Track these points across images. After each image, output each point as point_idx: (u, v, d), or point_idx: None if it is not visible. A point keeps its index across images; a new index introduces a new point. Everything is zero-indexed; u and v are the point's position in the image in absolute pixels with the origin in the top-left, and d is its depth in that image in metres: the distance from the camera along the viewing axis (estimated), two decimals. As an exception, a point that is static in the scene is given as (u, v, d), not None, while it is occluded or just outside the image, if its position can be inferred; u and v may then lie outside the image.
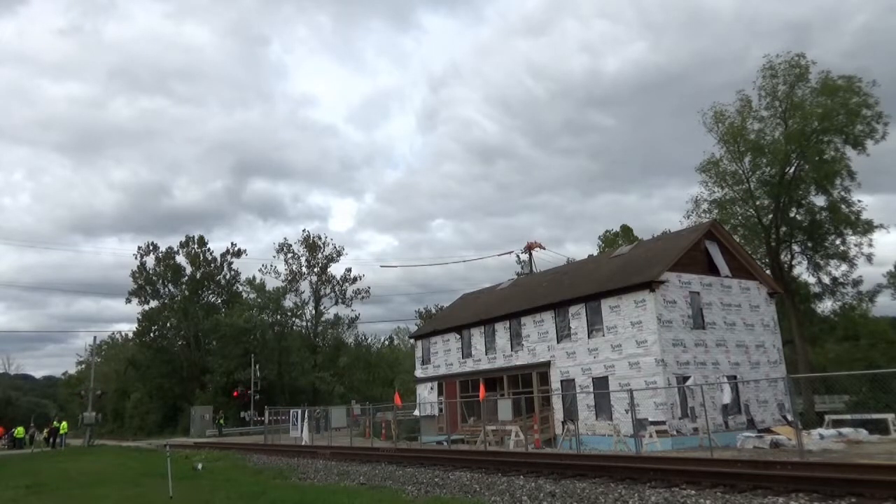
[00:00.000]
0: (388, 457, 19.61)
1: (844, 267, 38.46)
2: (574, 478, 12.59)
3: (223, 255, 72.03)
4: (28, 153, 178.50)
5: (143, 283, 69.11)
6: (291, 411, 38.22)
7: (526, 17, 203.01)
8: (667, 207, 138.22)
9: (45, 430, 49.31)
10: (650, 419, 22.73)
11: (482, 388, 29.10)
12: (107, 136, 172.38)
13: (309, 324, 68.77)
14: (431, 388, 36.33)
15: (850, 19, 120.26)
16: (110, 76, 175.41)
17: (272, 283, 66.93)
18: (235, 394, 54.65)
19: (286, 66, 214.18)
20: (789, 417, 24.01)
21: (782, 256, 39.35)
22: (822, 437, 20.28)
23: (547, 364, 28.63)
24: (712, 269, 27.02)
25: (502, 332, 31.78)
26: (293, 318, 67.80)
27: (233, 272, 72.39)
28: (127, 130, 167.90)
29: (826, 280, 39.27)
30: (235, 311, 62.47)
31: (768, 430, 22.60)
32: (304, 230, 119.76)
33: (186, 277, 70.30)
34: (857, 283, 39.00)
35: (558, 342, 28.32)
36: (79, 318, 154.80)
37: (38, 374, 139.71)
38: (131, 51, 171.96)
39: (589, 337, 26.87)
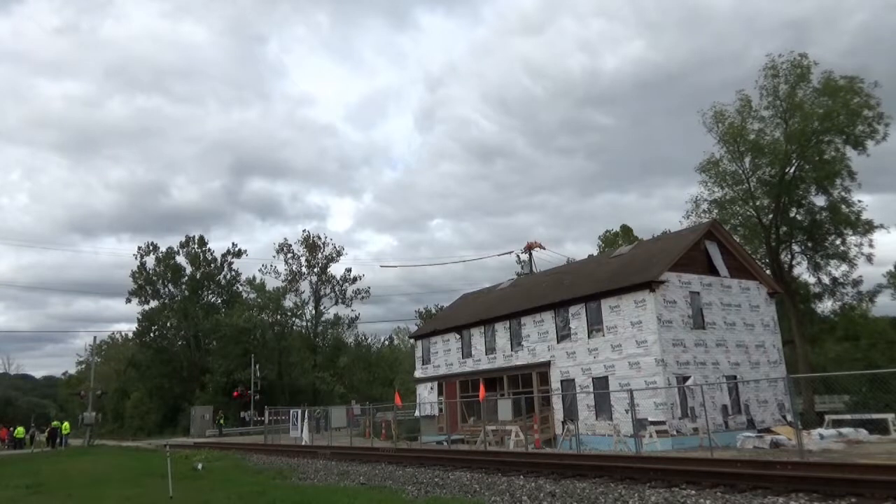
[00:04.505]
0: (388, 457, 19.59)
1: (844, 267, 38.54)
2: (574, 478, 12.58)
3: (223, 256, 72.15)
4: (25, 153, 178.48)
5: (143, 283, 69.14)
6: (291, 411, 38.18)
7: (523, 16, 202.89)
8: (666, 207, 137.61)
9: (45, 431, 49.32)
10: (650, 419, 22.74)
11: (482, 388, 29.10)
12: (104, 135, 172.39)
13: (309, 324, 68.77)
14: (431, 388, 36.34)
15: (849, 17, 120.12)
16: (107, 75, 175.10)
17: (272, 283, 67.06)
18: (236, 394, 54.64)
19: (284, 65, 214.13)
20: (789, 417, 24.04)
21: (782, 256, 39.38)
22: (822, 437, 20.28)
23: (547, 364, 28.64)
24: (712, 269, 27.03)
25: (502, 332, 31.79)
26: (293, 318, 67.80)
27: (233, 272, 72.51)
28: (124, 129, 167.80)
29: (826, 280, 39.35)
30: (235, 311, 62.49)
31: (768, 430, 22.63)
32: (303, 230, 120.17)
33: (186, 277, 70.34)
34: (857, 283, 39.07)
35: (558, 342, 28.34)
36: (78, 318, 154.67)
37: (38, 374, 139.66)
38: (128, 49, 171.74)
39: (589, 337, 26.88)
